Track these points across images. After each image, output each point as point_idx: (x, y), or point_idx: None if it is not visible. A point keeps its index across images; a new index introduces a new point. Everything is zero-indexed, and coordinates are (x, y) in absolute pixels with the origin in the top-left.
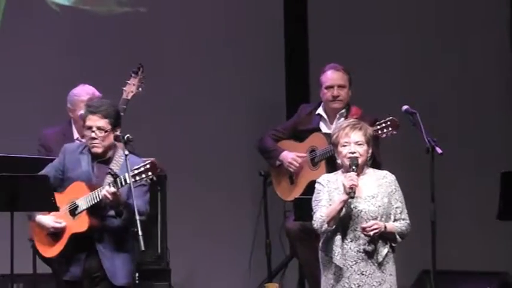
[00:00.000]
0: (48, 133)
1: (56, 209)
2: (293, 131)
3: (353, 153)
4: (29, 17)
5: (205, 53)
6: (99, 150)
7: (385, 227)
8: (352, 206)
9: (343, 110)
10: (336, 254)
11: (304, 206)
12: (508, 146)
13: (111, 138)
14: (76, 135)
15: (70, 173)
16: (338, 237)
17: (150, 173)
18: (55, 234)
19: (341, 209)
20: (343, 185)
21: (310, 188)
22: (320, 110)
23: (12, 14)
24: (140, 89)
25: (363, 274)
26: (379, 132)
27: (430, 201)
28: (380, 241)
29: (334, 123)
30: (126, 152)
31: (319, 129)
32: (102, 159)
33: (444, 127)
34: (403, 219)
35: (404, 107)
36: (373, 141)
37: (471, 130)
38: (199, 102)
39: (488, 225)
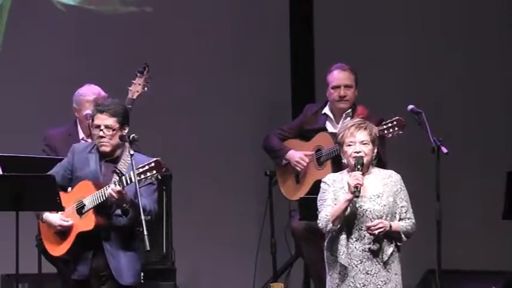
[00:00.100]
0: (53, 133)
1: (61, 208)
2: (299, 131)
3: (358, 152)
4: (34, 16)
5: (211, 53)
6: (107, 149)
7: (390, 226)
8: (357, 205)
9: (349, 110)
10: (341, 254)
11: (309, 206)
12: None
13: (118, 138)
14: (81, 135)
15: (78, 172)
16: (343, 237)
17: (154, 172)
18: (62, 233)
19: (346, 208)
20: (348, 184)
21: (316, 188)
22: (326, 110)
23: (18, 14)
24: (146, 88)
25: (368, 273)
26: (385, 132)
27: (436, 201)
28: (385, 240)
29: (340, 122)
30: (132, 152)
31: (325, 129)
32: (110, 158)
33: (450, 127)
34: (409, 219)
35: (410, 107)
36: (379, 140)
37: (476, 130)
38: (205, 102)
39: (494, 224)
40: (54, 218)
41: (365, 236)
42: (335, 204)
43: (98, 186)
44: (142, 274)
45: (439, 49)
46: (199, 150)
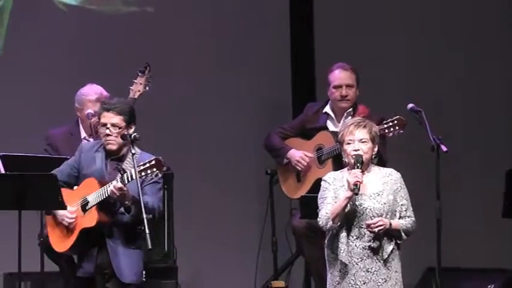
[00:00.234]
0: (55, 133)
1: (63, 207)
2: (300, 129)
3: (357, 150)
4: (35, 17)
5: (212, 53)
6: (113, 147)
7: (390, 224)
8: (357, 203)
9: (350, 109)
10: (341, 251)
11: (310, 204)
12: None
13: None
14: (83, 134)
15: (85, 170)
16: (343, 235)
17: (155, 169)
18: (67, 229)
19: (346, 205)
20: (348, 181)
21: (317, 186)
22: (327, 109)
23: (19, 15)
24: (147, 88)
25: (368, 271)
26: (386, 131)
27: (436, 199)
28: (385, 238)
29: (341, 121)
30: (133, 150)
31: (326, 128)
32: (115, 157)
33: (450, 126)
34: (408, 217)
35: (410, 105)
36: (380, 139)
37: (476, 129)
38: (206, 102)
39: (493, 223)
40: (60, 212)
41: (365, 234)
42: (335, 202)
43: (102, 183)
44: (144, 272)
45: (438, 49)
46: (200, 149)
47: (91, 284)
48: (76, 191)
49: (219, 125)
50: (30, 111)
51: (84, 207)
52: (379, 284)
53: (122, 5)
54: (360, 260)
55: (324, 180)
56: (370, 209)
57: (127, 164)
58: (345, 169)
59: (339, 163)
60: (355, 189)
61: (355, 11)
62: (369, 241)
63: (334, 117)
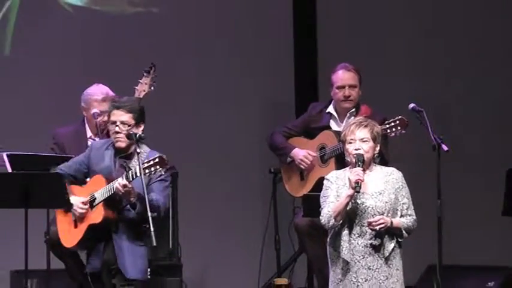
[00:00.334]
0: (62, 132)
1: (69, 205)
2: (304, 128)
3: (358, 149)
4: (42, 17)
5: (216, 53)
6: (122, 144)
7: (392, 223)
8: (359, 202)
9: (353, 109)
10: (343, 249)
11: (313, 202)
12: None
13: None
14: (89, 133)
15: (94, 167)
16: (346, 233)
17: (158, 167)
18: (76, 225)
19: (348, 203)
20: (349, 179)
21: (320, 185)
22: (330, 109)
23: (26, 15)
24: (152, 87)
25: (370, 268)
26: (388, 131)
27: (437, 198)
28: (386, 236)
29: (344, 121)
30: (139, 150)
31: (329, 127)
32: (124, 154)
33: (450, 124)
34: (410, 215)
35: (411, 105)
36: (382, 139)
37: (477, 129)
38: (211, 102)
39: (493, 221)
40: (74, 200)
41: (367, 232)
42: (337, 201)
43: (109, 180)
44: (149, 270)
45: (438, 50)
46: (205, 148)
47: (99, 280)
48: (85, 187)
49: (224, 125)
50: (37, 110)
51: (91, 203)
52: (380, 281)
53: (127, 5)
54: (361, 257)
55: (327, 179)
56: (372, 208)
57: (134, 162)
58: (347, 168)
59: (341, 162)
60: (357, 187)
61: (358, 13)
62: (371, 238)
63: (337, 117)
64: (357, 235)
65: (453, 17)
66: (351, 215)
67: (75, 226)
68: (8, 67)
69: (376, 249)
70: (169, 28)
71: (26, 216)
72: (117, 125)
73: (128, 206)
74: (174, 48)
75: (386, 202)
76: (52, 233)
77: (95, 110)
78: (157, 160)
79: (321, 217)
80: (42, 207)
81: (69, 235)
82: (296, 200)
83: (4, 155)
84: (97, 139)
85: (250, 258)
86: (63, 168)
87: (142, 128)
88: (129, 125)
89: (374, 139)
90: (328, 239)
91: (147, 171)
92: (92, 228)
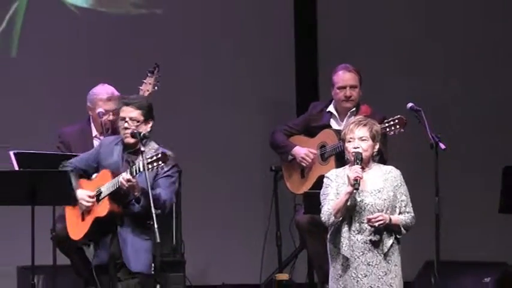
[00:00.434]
0: (67, 131)
1: (75, 203)
2: (305, 127)
3: (356, 148)
4: (49, 18)
5: (218, 54)
6: (130, 140)
7: (390, 219)
8: (359, 200)
9: (354, 109)
10: (344, 246)
11: (313, 200)
12: (508, 142)
13: (143, 130)
14: (94, 132)
15: (103, 162)
16: (345, 230)
17: (160, 162)
18: (83, 218)
19: (347, 200)
20: (348, 177)
21: (320, 182)
22: (331, 108)
23: (33, 16)
24: (156, 87)
25: (369, 264)
26: (387, 129)
27: (435, 195)
28: (385, 233)
29: (345, 120)
30: (142, 148)
31: (329, 126)
32: (132, 150)
33: (448, 124)
34: (408, 212)
35: (409, 105)
36: (381, 138)
37: (474, 127)
38: (213, 102)
39: (490, 218)
40: (81, 193)
41: (366, 228)
42: (337, 199)
43: (115, 175)
44: (153, 265)
45: (437, 50)
46: (208, 147)
47: (106, 273)
48: (92, 181)
49: (226, 124)
50: (43, 110)
51: (98, 197)
52: (379, 276)
53: (131, 7)
54: (361, 253)
55: (327, 177)
56: (372, 205)
57: (140, 158)
58: (347, 166)
59: (341, 160)
60: (356, 184)
61: (358, 14)
62: (370, 234)
63: (337, 116)
64: (356, 232)
65: (451, 17)
66: (350, 212)
67: (83, 219)
68: (15, 68)
69: (375, 245)
70: (171, 29)
71: (32, 213)
72: (126, 121)
73: (133, 200)
74: (176, 48)
75: (385, 200)
76: (58, 229)
77: (100, 109)
78: (159, 156)
79: (321, 215)
80: (49, 204)
81: (77, 228)
82: (297, 198)
83: (11, 153)
84: (102, 138)
85: (252, 254)
86: (74, 162)
87: (151, 124)
88: (138, 121)
89: (373, 138)
90: (328, 236)
91: (149, 166)
92: (97, 221)
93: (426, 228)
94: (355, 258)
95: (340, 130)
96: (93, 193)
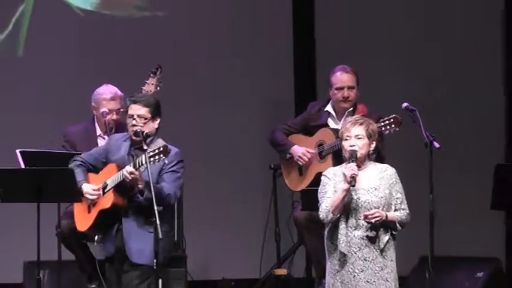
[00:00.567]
0: (72, 130)
1: (79, 200)
2: (303, 126)
3: (352, 146)
4: (54, 20)
5: (217, 54)
6: (136, 138)
7: (386, 216)
8: (355, 197)
9: (351, 108)
10: (341, 242)
11: (311, 197)
12: (501, 141)
13: (150, 127)
14: (99, 131)
15: (111, 158)
16: (343, 226)
17: (162, 155)
18: (89, 210)
19: (344, 197)
20: (344, 174)
21: (318, 180)
22: (328, 107)
23: (39, 18)
24: (158, 88)
25: (366, 260)
26: (383, 128)
27: (429, 193)
28: (381, 229)
29: (342, 120)
30: (145, 147)
31: (327, 125)
32: (138, 146)
33: (442, 123)
34: (403, 209)
35: (404, 104)
36: (378, 137)
37: (468, 126)
38: (212, 102)
39: (482, 214)
40: (85, 187)
41: (363, 225)
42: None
43: (120, 168)
44: (155, 261)
45: (433, 50)
46: (209, 145)
47: (111, 265)
48: (99, 175)
49: (225, 123)
50: (49, 110)
51: (104, 189)
52: (375, 271)
53: (135, 10)
54: (358, 249)
55: (324, 176)
56: (368, 202)
57: (148, 154)
58: (344, 164)
59: (338, 158)
60: (352, 181)
61: (355, 14)
62: (366, 230)
63: (335, 116)
64: (353, 228)
65: (448, 18)
66: (348, 210)
67: (89, 212)
68: (21, 69)
69: (372, 241)
70: (172, 31)
71: (38, 210)
72: (134, 119)
73: (138, 193)
74: (176, 49)
75: (381, 197)
76: (63, 226)
77: (103, 109)
78: (161, 149)
79: (319, 212)
80: (54, 201)
81: (84, 220)
82: (295, 195)
83: (17, 152)
84: (106, 137)
85: (251, 250)
86: (83, 157)
87: (158, 121)
88: (145, 119)
89: (369, 136)
90: (325, 232)
91: (151, 159)
92: (102, 213)
93: (421, 225)
94: (352, 254)
95: (337, 129)
96: (97, 186)
